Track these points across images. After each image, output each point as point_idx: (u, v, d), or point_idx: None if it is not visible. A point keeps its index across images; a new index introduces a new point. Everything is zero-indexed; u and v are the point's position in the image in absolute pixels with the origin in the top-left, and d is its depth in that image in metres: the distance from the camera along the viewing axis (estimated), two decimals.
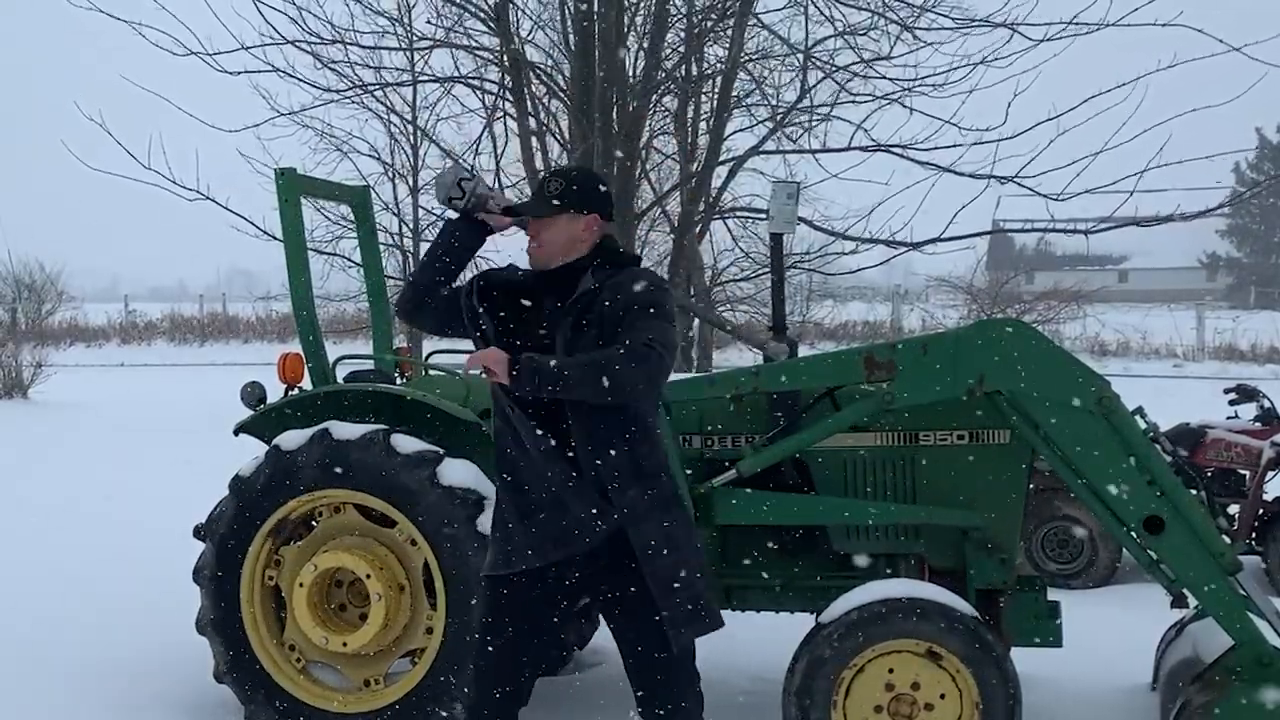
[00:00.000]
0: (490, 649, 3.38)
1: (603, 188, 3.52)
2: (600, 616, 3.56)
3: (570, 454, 3.28)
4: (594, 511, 3.26)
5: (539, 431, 3.28)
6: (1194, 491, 4.46)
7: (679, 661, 3.36)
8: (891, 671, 3.93)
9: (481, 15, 9.21)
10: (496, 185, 10.32)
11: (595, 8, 8.38)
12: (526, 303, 3.42)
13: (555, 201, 3.40)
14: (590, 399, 3.18)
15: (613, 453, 3.27)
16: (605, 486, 3.27)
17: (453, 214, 3.58)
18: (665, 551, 3.27)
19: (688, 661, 3.41)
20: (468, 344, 3.54)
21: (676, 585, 3.26)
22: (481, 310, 3.40)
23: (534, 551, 3.31)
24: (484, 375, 3.22)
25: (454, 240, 3.56)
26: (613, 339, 3.22)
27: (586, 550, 3.30)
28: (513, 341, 3.35)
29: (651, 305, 3.25)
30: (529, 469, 3.31)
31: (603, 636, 5.47)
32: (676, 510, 3.36)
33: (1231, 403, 7.62)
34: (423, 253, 3.61)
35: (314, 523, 4.72)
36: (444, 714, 4.44)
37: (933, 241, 8.23)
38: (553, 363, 3.17)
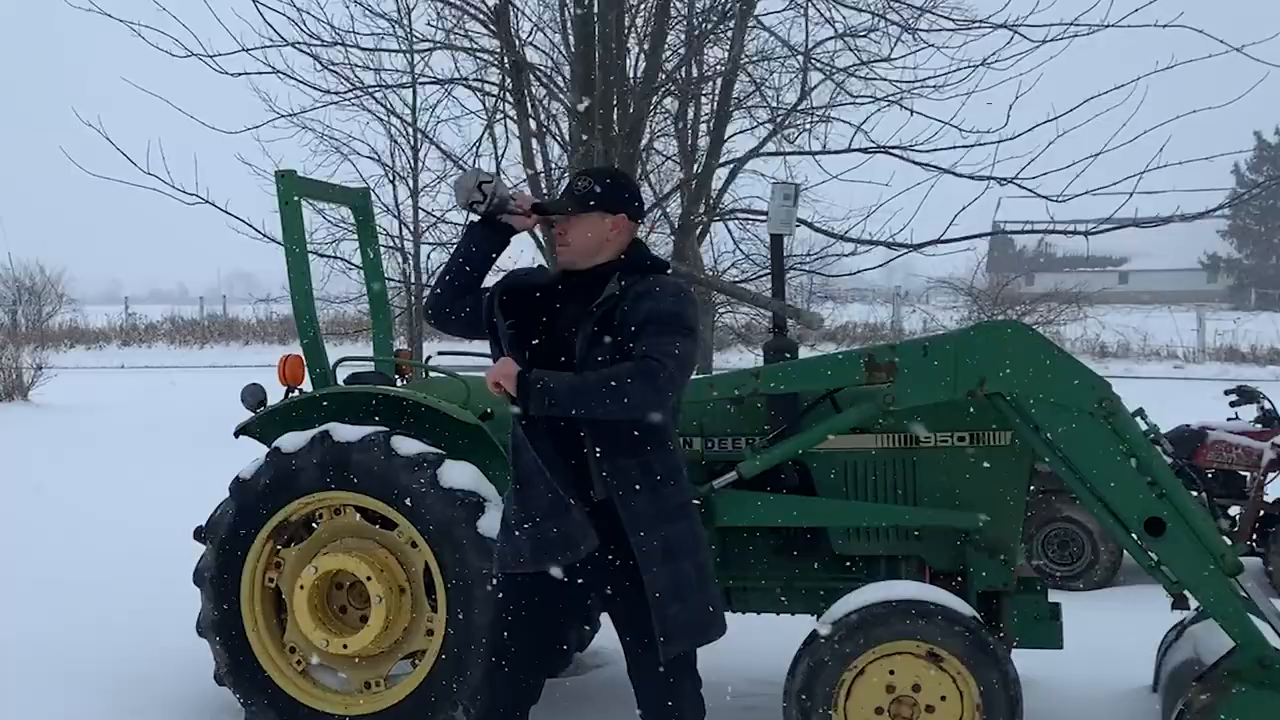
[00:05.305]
0: (504, 648, 3.37)
1: (632, 188, 3.49)
2: (607, 616, 3.54)
3: (574, 461, 3.26)
4: (589, 523, 3.24)
5: (549, 438, 3.26)
6: (1195, 493, 4.46)
7: (680, 665, 3.36)
8: (892, 673, 3.93)
9: (481, 17, 9.19)
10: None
11: (595, 9, 8.36)
12: (556, 305, 3.37)
13: (585, 200, 3.38)
14: (601, 418, 3.17)
15: (622, 460, 3.25)
16: (613, 494, 3.25)
17: (474, 218, 3.50)
18: (662, 563, 3.25)
19: (689, 666, 3.40)
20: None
21: (672, 597, 3.24)
22: (497, 321, 3.33)
23: (527, 558, 3.29)
24: (496, 392, 3.21)
25: (475, 246, 3.48)
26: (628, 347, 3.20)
27: (587, 555, 3.28)
28: (536, 344, 3.31)
29: (669, 316, 3.21)
30: (531, 472, 3.29)
31: (602, 638, 5.47)
32: (680, 519, 3.33)
33: (1232, 404, 7.62)
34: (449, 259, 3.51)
35: (314, 525, 4.71)
36: (445, 716, 4.44)
37: (933, 243, 8.21)
38: (563, 382, 3.14)
